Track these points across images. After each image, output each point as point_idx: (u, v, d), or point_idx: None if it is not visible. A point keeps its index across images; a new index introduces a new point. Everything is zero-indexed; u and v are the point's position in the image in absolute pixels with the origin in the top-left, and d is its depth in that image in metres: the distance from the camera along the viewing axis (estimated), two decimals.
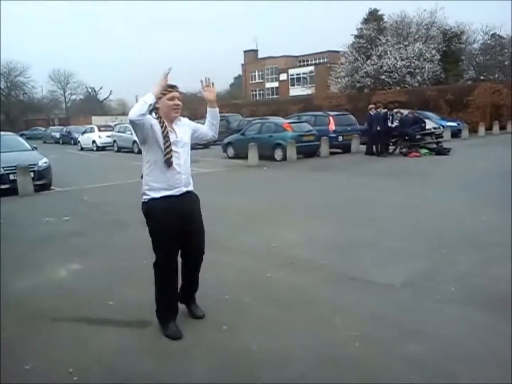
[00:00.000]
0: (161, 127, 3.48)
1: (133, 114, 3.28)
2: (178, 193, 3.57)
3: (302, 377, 3.03)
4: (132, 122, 3.35)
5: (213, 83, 3.74)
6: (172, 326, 3.64)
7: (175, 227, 3.55)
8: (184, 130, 3.67)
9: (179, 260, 3.77)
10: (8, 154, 11.62)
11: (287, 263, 5.28)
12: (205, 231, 3.86)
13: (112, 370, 3.19)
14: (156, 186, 3.52)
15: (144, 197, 3.58)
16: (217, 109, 3.83)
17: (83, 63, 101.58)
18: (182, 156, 3.58)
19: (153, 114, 3.52)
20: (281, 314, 3.99)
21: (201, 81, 3.75)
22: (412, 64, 36.31)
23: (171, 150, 3.48)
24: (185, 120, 3.77)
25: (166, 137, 3.48)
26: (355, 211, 8.05)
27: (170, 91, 3.52)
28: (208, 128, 3.89)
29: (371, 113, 17.23)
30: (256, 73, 67.87)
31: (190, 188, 3.72)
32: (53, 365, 3.28)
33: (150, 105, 3.33)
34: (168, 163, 3.48)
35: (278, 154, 16.87)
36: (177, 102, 3.54)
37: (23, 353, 3.48)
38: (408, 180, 11.46)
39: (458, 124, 24.96)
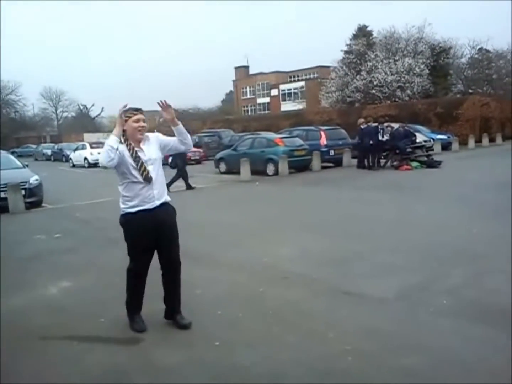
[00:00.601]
0: (129, 150, 3.76)
1: (103, 161, 3.63)
2: (151, 207, 3.82)
3: None
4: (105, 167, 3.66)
5: (169, 105, 3.92)
6: (139, 321, 4.00)
7: (148, 239, 3.84)
8: (152, 148, 3.89)
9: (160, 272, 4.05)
10: None
11: (280, 277, 5.27)
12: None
13: None
14: (131, 204, 3.81)
15: (122, 211, 3.88)
16: (180, 125, 3.95)
17: (75, 81, 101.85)
18: (153, 173, 3.82)
19: (120, 136, 3.75)
20: (274, 329, 3.97)
21: (158, 103, 3.93)
22: (402, 79, 36.73)
23: (145, 168, 3.77)
24: (153, 137, 3.98)
25: (136, 157, 3.76)
26: (347, 225, 8.06)
27: (135, 114, 3.80)
28: (179, 143, 4.04)
29: (362, 127, 17.36)
30: (248, 89, 68.30)
31: (164, 200, 3.94)
32: None
33: (117, 148, 3.62)
34: (148, 179, 3.78)
35: (270, 169, 16.92)
36: (142, 124, 3.81)
37: (14, 373, 3.43)
38: (400, 193, 11.51)
39: (448, 137, 25.19)
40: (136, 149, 3.78)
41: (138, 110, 3.84)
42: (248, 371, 3.28)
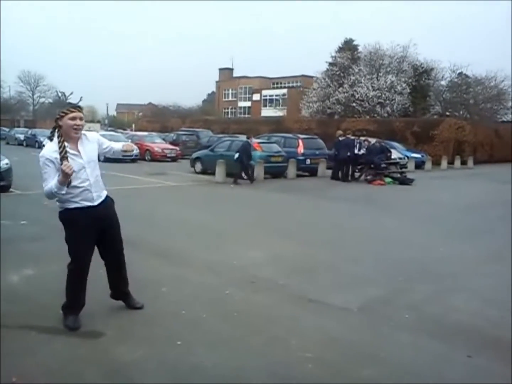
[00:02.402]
0: (60, 152, 3.57)
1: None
2: (90, 205, 3.80)
3: None
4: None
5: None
6: (72, 318, 3.88)
7: (87, 235, 3.83)
8: (90, 148, 3.83)
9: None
10: None
11: (247, 281, 5.27)
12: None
13: (59, 381, 3.09)
14: (71, 200, 3.75)
15: (60, 207, 3.84)
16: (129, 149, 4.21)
17: (54, 67, 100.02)
18: (92, 175, 3.79)
19: (55, 132, 3.67)
20: (237, 332, 3.96)
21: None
22: (383, 95, 37.28)
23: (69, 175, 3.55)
24: (92, 136, 3.92)
25: (64, 159, 3.56)
26: (317, 234, 8.12)
27: (73, 111, 3.64)
28: (119, 150, 4.19)
29: (340, 139, 17.53)
30: (230, 91, 68.32)
31: (103, 197, 3.93)
32: None
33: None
34: (69, 183, 3.63)
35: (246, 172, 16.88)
36: (78, 122, 3.65)
37: None
38: (372, 207, 11.66)
39: (422, 156, 25.65)
40: (71, 152, 3.63)
41: (76, 108, 3.71)
42: (208, 372, 3.26)
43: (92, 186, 3.78)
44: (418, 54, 40.43)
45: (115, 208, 4.08)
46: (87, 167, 3.73)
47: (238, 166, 15.69)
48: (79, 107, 3.74)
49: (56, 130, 3.66)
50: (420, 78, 39.49)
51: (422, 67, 39.84)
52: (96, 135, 3.99)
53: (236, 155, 15.82)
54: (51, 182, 3.61)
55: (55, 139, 3.66)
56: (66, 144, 3.62)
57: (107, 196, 3.99)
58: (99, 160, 3.96)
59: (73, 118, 3.62)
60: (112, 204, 4.04)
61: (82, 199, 3.75)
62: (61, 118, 3.62)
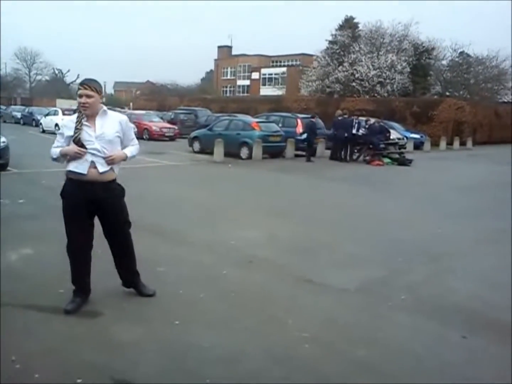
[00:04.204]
0: (77, 119, 3.64)
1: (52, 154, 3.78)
2: (83, 173, 3.69)
3: (251, 375, 3.03)
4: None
5: (110, 157, 3.71)
6: (74, 301, 3.83)
7: (78, 215, 3.78)
8: (108, 125, 3.72)
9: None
10: None
11: (245, 261, 5.28)
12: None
13: (58, 360, 3.10)
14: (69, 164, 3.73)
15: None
16: (129, 157, 3.91)
17: (51, 44, 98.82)
18: (100, 150, 3.66)
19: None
20: (235, 311, 3.98)
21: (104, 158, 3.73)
22: (383, 74, 36.98)
23: (77, 142, 3.61)
24: (117, 116, 3.85)
25: (76, 129, 3.61)
26: (316, 213, 8.12)
27: (79, 88, 3.63)
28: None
29: (339, 119, 17.44)
30: (228, 70, 67.63)
31: (109, 178, 3.78)
32: None
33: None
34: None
35: (244, 152, 16.87)
36: (83, 100, 3.59)
37: None
38: (370, 187, 11.66)
39: (421, 136, 25.60)
40: (85, 123, 3.65)
41: (83, 85, 3.63)
42: (205, 352, 3.28)
43: (91, 162, 3.68)
44: (419, 33, 40.03)
45: (122, 195, 3.93)
46: (95, 141, 3.64)
47: (306, 145, 17.08)
48: (85, 84, 3.63)
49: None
50: (421, 57, 39.13)
51: (423, 46, 39.44)
52: (124, 118, 3.88)
53: (304, 135, 17.25)
54: (57, 146, 3.76)
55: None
56: (84, 116, 3.65)
57: (113, 181, 3.84)
58: None
59: (80, 96, 3.61)
60: (116, 189, 3.87)
61: (78, 167, 3.68)
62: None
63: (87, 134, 3.64)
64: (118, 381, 2.90)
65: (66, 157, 3.72)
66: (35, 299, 4.04)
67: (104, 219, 3.89)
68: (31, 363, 3.04)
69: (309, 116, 20.00)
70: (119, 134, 3.77)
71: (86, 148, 3.62)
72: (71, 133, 3.64)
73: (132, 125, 3.99)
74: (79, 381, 2.86)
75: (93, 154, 3.64)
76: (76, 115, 3.71)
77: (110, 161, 3.68)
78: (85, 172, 3.66)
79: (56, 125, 27.44)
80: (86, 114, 3.64)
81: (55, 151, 3.77)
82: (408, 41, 39.51)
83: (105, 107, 3.76)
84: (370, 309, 4.19)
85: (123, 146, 3.89)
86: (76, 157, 3.64)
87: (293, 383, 2.98)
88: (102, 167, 3.69)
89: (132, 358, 3.16)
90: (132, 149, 3.95)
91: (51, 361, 3.09)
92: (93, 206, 3.78)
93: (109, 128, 3.71)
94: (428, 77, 40.65)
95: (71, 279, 3.93)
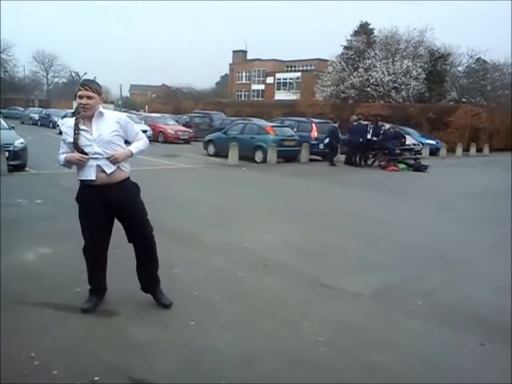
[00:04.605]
0: (75, 124, 3.61)
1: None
2: (92, 179, 3.68)
3: (266, 377, 3.05)
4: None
5: (113, 157, 3.65)
6: (90, 300, 3.91)
7: (92, 215, 3.76)
8: (105, 126, 3.66)
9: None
10: None
11: (260, 264, 5.30)
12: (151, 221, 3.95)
13: (75, 358, 3.15)
14: (79, 173, 3.76)
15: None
16: (133, 154, 3.81)
17: (69, 47, 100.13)
18: (100, 153, 3.63)
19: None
20: (250, 314, 4.00)
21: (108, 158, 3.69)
22: (398, 80, 36.79)
23: (78, 148, 3.61)
24: (114, 115, 3.77)
25: (75, 134, 3.60)
26: (330, 218, 8.11)
27: (80, 89, 3.58)
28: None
29: (354, 124, 17.42)
30: (243, 74, 67.90)
31: (119, 179, 3.75)
32: (15, 348, 3.22)
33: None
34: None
35: (258, 156, 16.90)
36: (84, 101, 3.55)
37: None
38: (384, 192, 11.61)
39: (437, 142, 25.39)
40: (82, 128, 3.60)
41: (83, 86, 3.58)
42: (220, 353, 3.30)
43: (93, 167, 3.65)
44: (435, 39, 39.80)
45: (137, 193, 3.89)
46: (94, 145, 3.60)
47: (329, 150, 17.54)
48: (86, 85, 3.58)
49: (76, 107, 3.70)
50: (437, 63, 38.87)
51: (439, 52, 39.18)
52: (122, 117, 3.80)
53: (327, 140, 17.58)
54: (63, 153, 3.78)
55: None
56: (81, 120, 3.63)
57: (126, 180, 3.82)
58: None
59: (80, 97, 3.57)
60: (130, 188, 3.83)
61: (86, 174, 3.69)
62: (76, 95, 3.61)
63: (85, 138, 3.61)
64: (135, 381, 2.94)
65: (71, 164, 3.76)
66: (52, 298, 4.09)
67: (123, 220, 3.87)
68: (49, 360, 3.09)
69: (324, 121, 20.01)
70: (118, 133, 3.71)
71: (87, 154, 3.61)
72: (71, 139, 3.63)
73: (132, 122, 3.90)
74: (96, 379, 2.90)
75: (95, 158, 3.62)
76: (73, 119, 3.69)
77: (114, 160, 3.64)
78: (93, 178, 3.66)
79: None
80: (86, 115, 3.61)
81: (61, 158, 3.79)
82: (424, 47, 39.30)
83: (101, 108, 3.68)
84: (384, 314, 4.17)
85: (130, 143, 3.86)
86: (79, 164, 3.65)
87: None
88: (108, 168, 3.67)
89: (148, 358, 3.20)
90: (138, 144, 3.87)
91: (69, 359, 3.13)
92: (110, 208, 3.76)
93: (106, 129, 3.65)
94: (444, 83, 40.37)
95: (87, 278, 3.97)
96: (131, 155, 3.79)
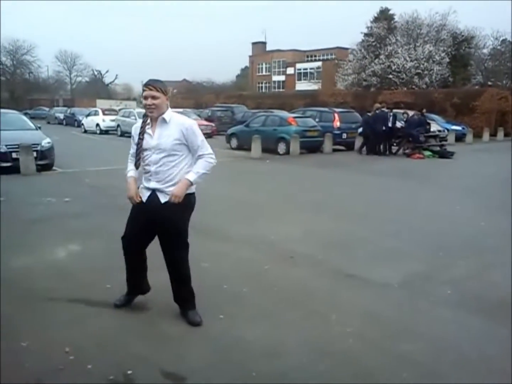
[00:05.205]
0: (141, 127, 3.49)
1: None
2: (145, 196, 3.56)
3: (295, 369, 3.07)
4: None
5: (175, 195, 3.41)
6: (122, 297, 3.90)
7: (137, 219, 3.61)
8: (166, 134, 3.43)
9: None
10: (11, 132, 11.63)
11: (286, 256, 5.31)
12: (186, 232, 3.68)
13: (108, 352, 3.23)
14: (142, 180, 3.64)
15: None
16: (194, 179, 3.45)
17: (90, 46, 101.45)
18: (154, 162, 3.46)
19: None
20: (278, 306, 4.02)
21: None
22: (421, 66, 36.18)
23: (140, 152, 3.51)
24: (180, 121, 3.47)
25: (139, 138, 3.48)
26: (355, 208, 8.07)
27: (144, 90, 3.43)
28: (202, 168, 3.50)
29: (377, 112, 17.22)
30: (263, 66, 67.62)
31: (162, 192, 3.50)
32: (49, 344, 3.32)
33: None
34: (137, 164, 3.55)
35: (281, 147, 16.88)
36: (149, 102, 3.38)
37: (20, 330, 3.52)
38: (410, 181, 11.48)
39: (463, 128, 24.93)
40: (147, 131, 3.46)
41: (148, 86, 3.41)
42: (250, 345, 3.34)
43: (151, 175, 3.49)
44: (458, 22, 39.00)
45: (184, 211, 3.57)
46: (152, 153, 3.44)
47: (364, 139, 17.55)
48: (151, 85, 3.41)
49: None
50: (460, 47, 38.10)
51: (462, 35, 38.39)
52: (188, 125, 3.45)
53: (360, 129, 17.64)
54: (130, 163, 3.66)
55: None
56: (148, 122, 3.49)
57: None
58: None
59: (145, 98, 3.41)
60: (177, 204, 3.44)
61: (144, 181, 3.57)
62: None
63: (146, 143, 3.46)
64: (167, 374, 2.99)
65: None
66: (83, 294, 4.19)
67: (159, 234, 3.65)
68: (83, 354, 3.17)
69: (346, 110, 19.89)
70: (180, 142, 3.43)
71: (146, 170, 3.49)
72: (136, 142, 3.53)
73: (198, 132, 3.50)
74: (129, 372, 2.97)
75: (150, 180, 3.50)
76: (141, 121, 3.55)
77: (175, 200, 3.39)
78: (144, 200, 3.55)
79: (97, 125, 28.18)
80: (152, 116, 3.43)
81: (127, 170, 3.66)
82: (446, 30, 38.52)
83: (169, 111, 3.49)
84: (413, 304, 4.15)
85: (196, 156, 3.51)
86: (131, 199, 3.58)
87: (338, 377, 3.00)
88: (163, 198, 3.49)
89: (179, 351, 3.26)
90: (198, 167, 3.46)
91: (102, 353, 3.21)
92: (150, 217, 3.55)
93: (167, 136, 3.42)
94: (468, 67, 39.57)
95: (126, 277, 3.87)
96: (191, 184, 3.45)
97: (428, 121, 18.64)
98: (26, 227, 6.41)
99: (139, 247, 3.73)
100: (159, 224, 3.56)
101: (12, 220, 6.76)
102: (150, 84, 3.42)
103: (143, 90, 3.44)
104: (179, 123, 3.45)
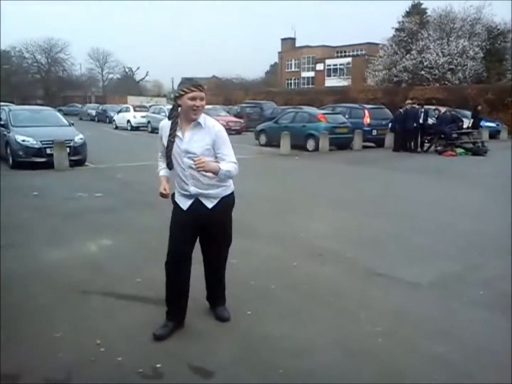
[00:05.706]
0: (171, 129, 3.30)
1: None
2: (186, 193, 3.41)
3: (323, 367, 3.05)
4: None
5: (201, 163, 3.13)
6: (169, 326, 3.47)
7: (182, 230, 3.43)
8: (198, 138, 3.30)
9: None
10: (46, 128, 11.96)
11: (315, 253, 5.29)
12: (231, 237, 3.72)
13: (138, 345, 3.27)
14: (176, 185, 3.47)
15: None
16: (221, 171, 3.25)
17: (121, 44, 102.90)
18: (186, 165, 3.30)
19: (173, 111, 3.34)
20: (306, 303, 4.01)
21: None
22: (454, 61, 35.35)
23: (171, 155, 3.33)
24: (212, 125, 3.38)
25: (170, 141, 3.30)
26: (385, 205, 7.97)
27: (193, 90, 3.21)
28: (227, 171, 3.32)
29: (407, 108, 16.96)
30: (293, 62, 67.26)
31: (207, 196, 3.40)
32: (81, 335, 3.39)
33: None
34: (169, 166, 3.41)
35: (310, 144, 16.80)
36: (198, 103, 3.22)
37: (53, 321, 3.61)
38: (442, 178, 11.26)
39: (497, 125, 24.29)
40: (178, 134, 3.29)
41: (197, 87, 3.23)
42: (277, 342, 3.34)
43: (187, 178, 3.34)
44: (493, 15, 37.98)
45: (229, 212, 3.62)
46: (180, 157, 3.31)
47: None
48: (200, 86, 3.26)
49: (175, 110, 3.30)
50: (495, 41, 37.04)
51: (498, 29, 37.30)
52: (218, 131, 3.37)
53: (390, 125, 17.66)
54: (161, 163, 3.58)
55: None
56: (178, 123, 3.31)
57: (222, 199, 3.47)
58: None
59: (193, 98, 3.20)
60: (223, 207, 3.48)
61: (179, 187, 3.42)
62: (181, 97, 3.22)
63: (177, 147, 3.30)
64: (195, 368, 3.02)
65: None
66: (114, 288, 4.26)
67: (206, 235, 3.57)
68: (114, 347, 3.23)
69: (377, 106, 19.63)
70: (210, 147, 3.32)
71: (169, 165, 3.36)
72: (165, 142, 3.35)
73: (227, 139, 3.43)
74: (158, 366, 3.01)
75: (188, 184, 3.34)
76: (170, 121, 3.35)
77: (199, 164, 3.13)
78: (184, 208, 3.40)
79: (128, 121, 28.58)
80: (196, 118, 3.28)
81: (159, 169, 3.60)
82: (481, 24, 37.50)
83: (203, 114, 3.36)
84: (444, 304, 4.07)
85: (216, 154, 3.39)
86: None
87: (366, 377, 2.97)
88: (210, 203, 3.40)
89: (207, 347, 3.28)
90: (229, 165, 3.31)
91: (132, 346, 3.26)
92: (197, 222, 3.44)
93: (198, 141, 3.30)
94: (503, 62, 38.40)
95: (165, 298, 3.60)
96: (217, 172, 3.24)
97: (461, 117, 18.24)
98: (59, 221, 6.56)
99: (182, 260, 3.48)
100: (208, 229, 3.50)
101: (46, 213, 6.93)
102: (200, 85, 3.29)
103: (190, 90, 3.21)
104: (211, 126, 3.37)
